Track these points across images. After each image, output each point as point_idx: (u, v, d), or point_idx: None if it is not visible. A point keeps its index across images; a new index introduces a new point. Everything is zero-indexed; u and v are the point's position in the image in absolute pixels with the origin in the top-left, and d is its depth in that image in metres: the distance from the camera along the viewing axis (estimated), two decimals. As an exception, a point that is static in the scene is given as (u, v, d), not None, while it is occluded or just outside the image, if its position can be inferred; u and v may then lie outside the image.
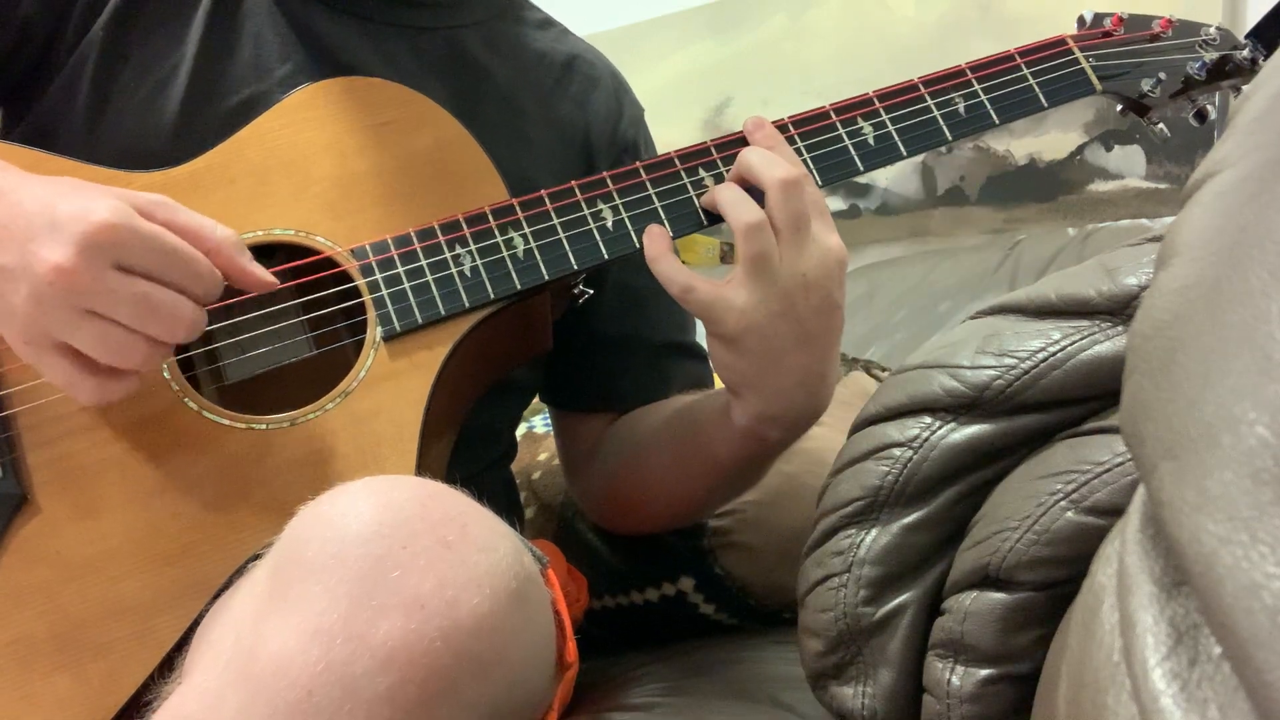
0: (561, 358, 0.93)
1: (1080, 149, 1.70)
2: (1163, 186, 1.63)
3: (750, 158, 0.72)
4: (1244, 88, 0.80)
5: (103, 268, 0.58)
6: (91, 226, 0.58)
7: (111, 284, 0.59)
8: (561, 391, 0.97)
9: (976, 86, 0.80)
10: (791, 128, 0.78)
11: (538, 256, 0.73)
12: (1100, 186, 1.69)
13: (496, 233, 0.73)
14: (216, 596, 0.65)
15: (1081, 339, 0.55)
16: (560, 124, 0.90)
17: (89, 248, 0.58)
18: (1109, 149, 1.68)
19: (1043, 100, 0.80)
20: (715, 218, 0.75)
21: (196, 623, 0.64)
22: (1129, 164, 1.66)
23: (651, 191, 0.76)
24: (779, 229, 0.69)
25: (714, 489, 0.86)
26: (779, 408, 0.73)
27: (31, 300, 0.59)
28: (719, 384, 0.81)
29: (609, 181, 0.76)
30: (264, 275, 0.66)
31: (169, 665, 0.64)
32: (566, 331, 0.90)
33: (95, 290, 0.58)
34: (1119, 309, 0.55)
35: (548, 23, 0.96)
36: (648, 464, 0.88)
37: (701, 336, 1.01)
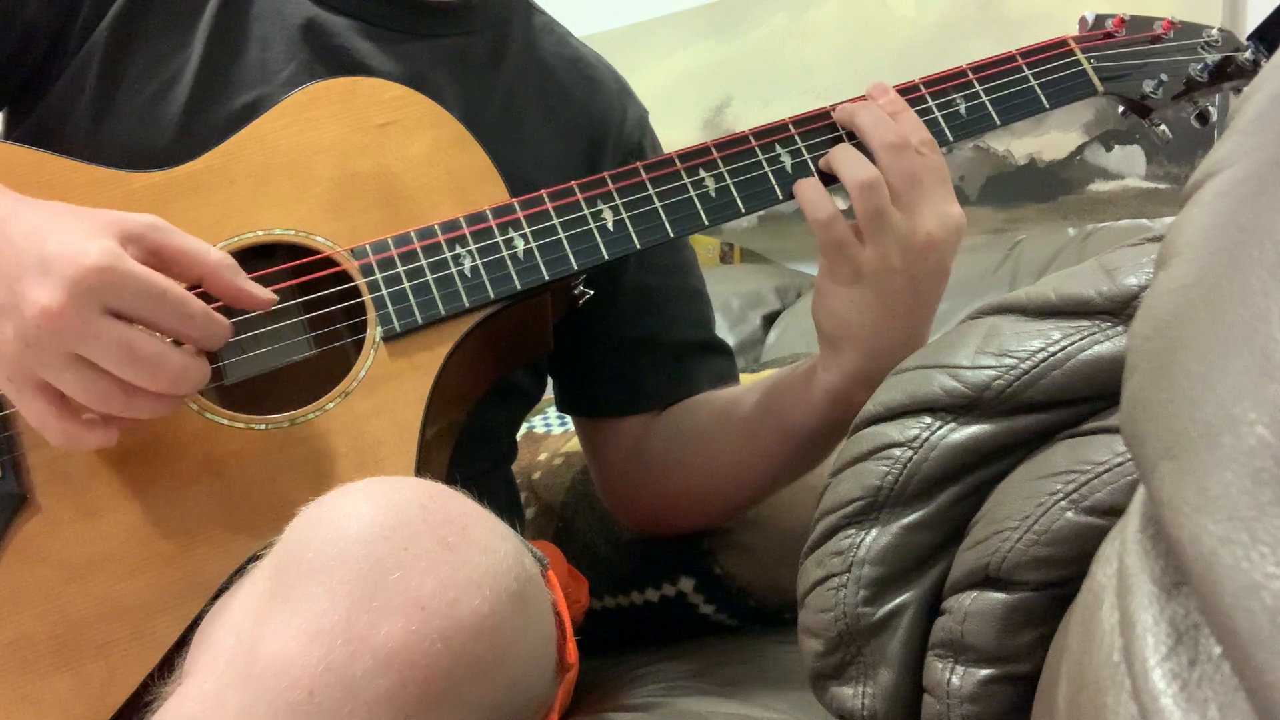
0: (582, 366, 0.93)
1: (1080, 149, 1.70)
2: (1163, 186, 1.63)
3: (859, 117, 0.74)
4: (1247, 87, 0.80)
5: (91, 312, 0.57)
6: (82, 271, 0.57)
7: (98, 328, 0.58)
8: (587, 399, 0.96)
9: (978, 87, 0.80)
10: (792, 127, 0.78)
11: (538, 257, 0.73)
12: (1100, 186, 1.69)
13: (496, 233, 0.74)
14: (216, 597, 0.65)
15: (1081, 339, 0.55)
16: (564, 128, 0.90)
17: (78, 292, 0.57)
18: (1109, 149, 1.67)
19: (1044, 102, 0.80)
20: (719, 217, 0.76)
21: (196, 623, 0.64)
22: (1129, 164, 1.66)
23: (652, 191, 0.76)
24: (894, 188, 0.71)
25: (786, 466, 0.85)
26: (877, 366, 0.73)
27: (17, 340, 0.58)
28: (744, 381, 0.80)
29: (609, 181, 0.76)
30: (262, 294, 0.65)
31: (169, 665, 0.64)
32: (584, 339, 0.89)
33: (81, 334, 0.57)
34: (1119, 309, 0.55)
35: (551, 27, 0.96)
36: (714, 449, 0.87)
37: (723, 332, 1.01)
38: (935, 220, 0.72)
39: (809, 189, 0.74)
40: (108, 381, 0.59)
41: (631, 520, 1.00)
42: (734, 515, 0.96)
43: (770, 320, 1.77)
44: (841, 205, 0.74)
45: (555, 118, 0.90)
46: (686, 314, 0.96)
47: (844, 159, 0.73)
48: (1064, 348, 0.55)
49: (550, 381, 0.99)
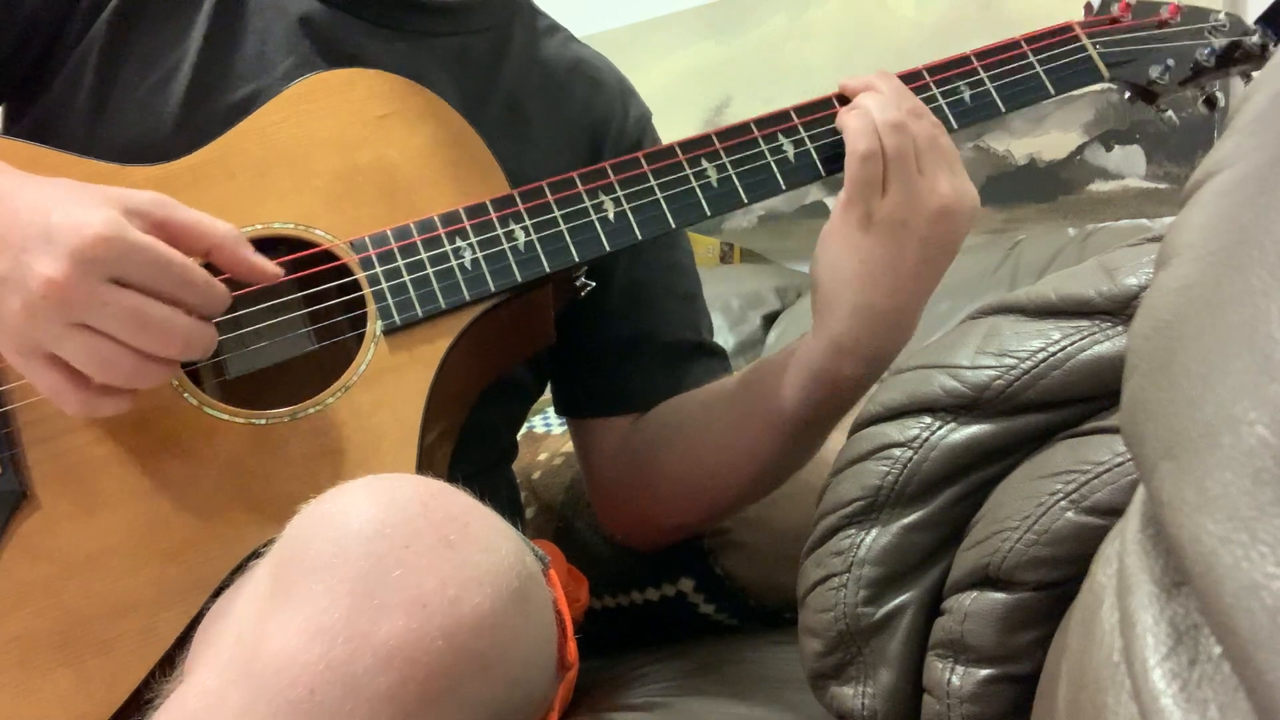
0: (572, 365, 0.92)
1: (1080, 149, 1.70)
2: (1163, 186, 1.63)
3: (878, 84, 0.75)
4: (1255, 74, 0.79)
5: (96, 281, 0.58)
6: (85, 240, 0.57)
7: (104, 297, 0.58)
8: (575, 399, 0.96)
9: (982, 74, 0.79)
10: (794, 116, 0.78)
11: (538, 248, 0.73)
12: (1100, 186, 1.69)
13: (497, 224, 0.73)
14: (217, 594, 0.65)
15: (1081, 339, 0.55)
16: (565, 127, 0.90)
17: (83, 261, 0.57)
18: (1109, 149, 1.67)
19: (1050, 88, 0.79)
20: (720, 207, 0.75)
21: (197, 620, 0.64)
22: (1129, 164, 1.66)
23: (653, 182, 0.75)
24: (918, 140, 0.71)
25: (773, 456, 0.82)
26: (865, 335, 0.73)
27: (23, 311, 0.58)
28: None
29: (610, 172, 0.75)
30: (268, 266, 0.66)
31: (170, 663, 0.64)
32: (575, 337, 0.89)
33: (88, 303, 0.58)
34: (1119, 309, 0.55)
35: (554, 29, 0.96)
36: (699, 441, 0.86)
37: (722, 332, 1.00)
38: (951, 187, 0.72)
39: (855, 119, 0.73)
40: (114, 349, 0.59)
41: (621, 528, 0.98)
42: (723, 516, 0.94)
43: (770, 320, 1.77)
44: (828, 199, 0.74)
45: (557, 117, 0.90)
46: (677, 315, 0.95)
47: (875, 101, 0.73)
48: (1064, 348, 0.56)
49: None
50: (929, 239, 0.71)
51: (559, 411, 0.99)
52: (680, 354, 0.94)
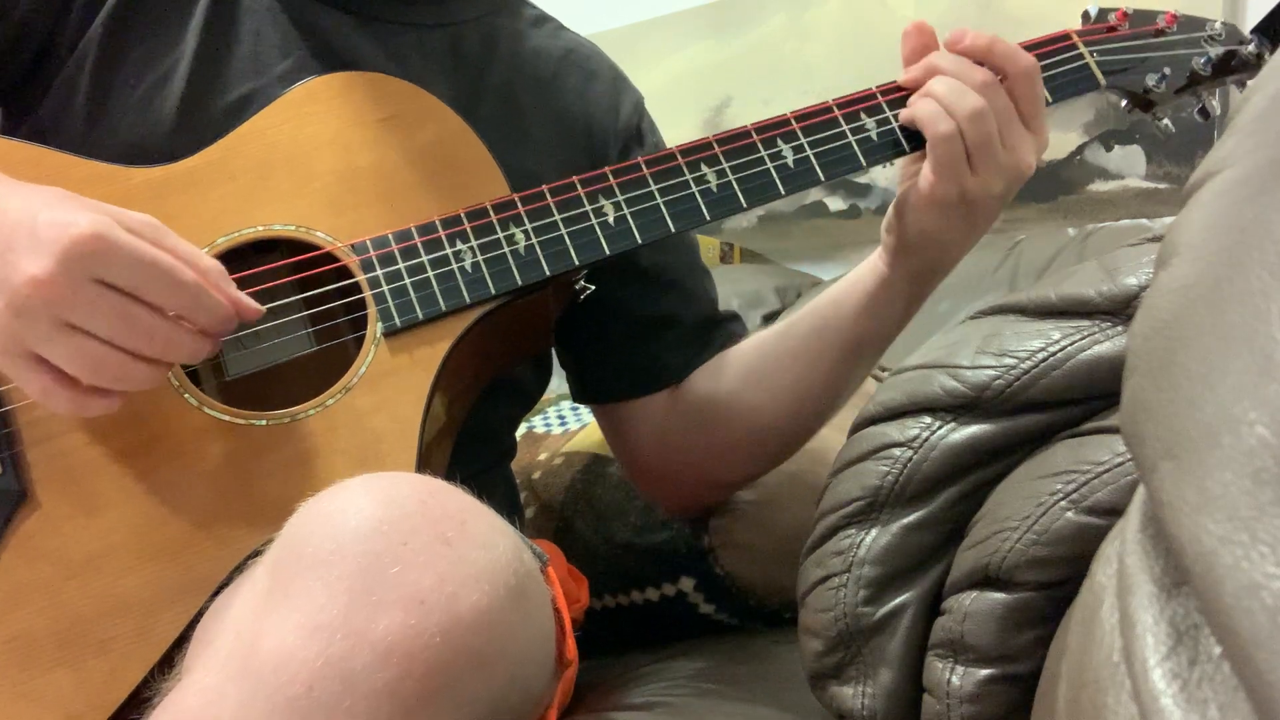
0: (600, 352, 0.92)
1: (1080, 149, 1.70)
2: (1163, 186, 1.63)
3: (935, 89, 0.77)
4: (1249, 82, 0.79)
5: (82, 280, 0.57)
6: (72, 239, 0.57)
7: (89, 296, 0.58)
8: (606, 384, 0.95)
9: None
10: (794, 122, 0.78)
11: (539, 252, 0.73)
12: (1100, 186, 1.69)
13: (498, 228, 0.73)
14: (216, 593, 0.65)
15: (1081, 339, 0.55)
16: (561, 118, 0.90)
17: (68, 260, 0.57)
18: (1109, 149, 1.67)
19: (1048, 95, 0.80)
20: (720, 212, 0.76)
21: (196, 619, 0.64)
22: (1129, 164, 1.66)
23: (654, 187, 0.76)
24: (1000, 115, 0.75)
25: (850, 378, 0.88)
26: (941, 269, 0.82)
27: (9, 311, 0.58)
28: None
29: (610, 176, 0.76)
30: (249, 304, 0.65)
31: (169, 662, 0.64)
32: (601, 325, 0.90)
33: (73, 302, 0.58)
34: (1119, 309, 0.55)
35: (542, 19, 0.96)
36: (762, 387, 0.89)
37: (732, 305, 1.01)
38: (1033, 149, 0.76)
39: (925, 105, 0.76)
40: (102, 349, 0.59)
41: (674, 496, 0.98)
42: (788, 455, 0.95)
43: (770, 320, 1.77)
44: (871, 205, 0.75)
45: (551, 109, 0.90)
46: (702, 288, 0.96)
47: (949, 89, 0.75)
48: (1064, 348, 0.56)
49: (556, 378, 0.98)
50: (1009, 197, 0.77)
51: (588, 401, 0.98)
52: (710, 324, 0.95)
